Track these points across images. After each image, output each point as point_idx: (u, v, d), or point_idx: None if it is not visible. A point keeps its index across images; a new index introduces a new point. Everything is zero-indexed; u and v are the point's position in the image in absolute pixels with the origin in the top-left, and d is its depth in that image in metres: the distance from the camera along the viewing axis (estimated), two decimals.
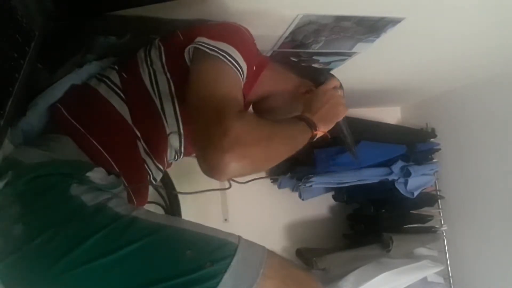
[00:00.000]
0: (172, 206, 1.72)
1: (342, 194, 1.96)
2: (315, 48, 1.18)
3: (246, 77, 0.81)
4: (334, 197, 2.01)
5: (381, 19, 1.02)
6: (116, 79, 0.84)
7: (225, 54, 0.75)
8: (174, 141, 0.87)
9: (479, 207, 1.73)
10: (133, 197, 0.83)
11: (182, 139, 0.87)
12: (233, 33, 0.84)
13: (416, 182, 1.71)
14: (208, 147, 0.62)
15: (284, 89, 1.02)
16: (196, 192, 0.92)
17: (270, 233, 1.99)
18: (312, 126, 0.82)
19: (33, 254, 0.61)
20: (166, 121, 0.84)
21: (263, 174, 1.89)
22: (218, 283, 0.61)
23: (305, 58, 1.26)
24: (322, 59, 1.29)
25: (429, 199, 1.88)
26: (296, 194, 1.83)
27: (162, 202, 1.73)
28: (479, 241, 1.74)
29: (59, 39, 0.85)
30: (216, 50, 0.75)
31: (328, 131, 0.89)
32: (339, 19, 1.00)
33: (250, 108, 1.05)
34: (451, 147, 1.87)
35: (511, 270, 1.58)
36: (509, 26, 1.12)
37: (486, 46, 1.29)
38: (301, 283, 0.71)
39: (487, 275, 1.71)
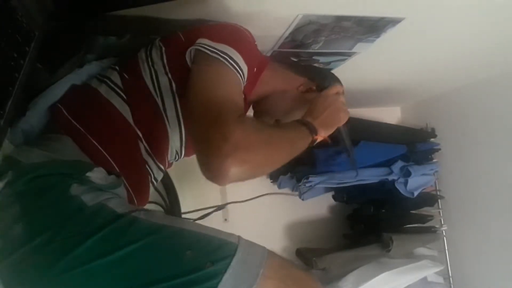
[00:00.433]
0: (172, 206, 1.72)
1: (342, 194, 1.96)
2: (315, 48, 1.18)
3: (247, 79, 0.81)
4: (334, 197, 2.01)
5: (381, 19, 1.02)
6: (117, 80, 0.84)
7: (226, 57, 0.75)
8: (175, 141, 0.87)
9: (479, 207, 1.73)
10: (134, 197, 0.83)
11: (184, 139, 0.87)
12: (234, 35, 0.84)
13: (416, 182, 1.72)
14: (209, 152, 0.63)
15: (284, 89, 1.02)
16: (199, 211, 0.92)
17: (270, 233, 1.99)
18: (313, 131, 0.82)
19: (33, 254, 0.61)
20: (168, 121, 0.84)
21: (264, 191, 1.90)
22: (218, 283, 0.61)
23: (305, 58, 1.26)
24: (322, 59, 1.28)
25: (429, 199, 1.87)
26: (296, 194, 1.83)
27: (162, 202, 1.72)
28: (479, 241, 1.73)
29: (60, 39, 0.85)
30: (217, 52, 0.75)
31: (328, 136, 0.89)
32: (339, 19, 1.00)
33: (250, 108, 1.05)
34: (451, 147, 1.87)
35: (511, 270, 1.58)
36: (509, 26, 1.12)
37: (486, 46, 1.29)
38: (301, 283, 0.71)
39: (487, 275, 1.71)
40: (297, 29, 1.04)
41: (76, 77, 0.86)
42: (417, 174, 1.71)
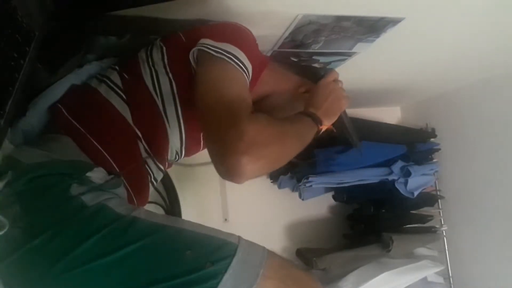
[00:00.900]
0: (172, 206, 1.72)
1: (342, 194, 1.96)
2: (315, 48, 1.18)
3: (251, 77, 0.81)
4: (334, 197, 2.01)
5: (381, 19, 1.02)
6: (117, 80, 0.84)
7: (230, 56, 0.75)
8: (175, 141, 0.87)
9: (479, 207, 1.73)
10: (134, 197, 0.83)
11: (184, 139, 0.87)
12: (236, 34, 0.84)
13: (416, 182, 1.71)
14: (224, 151, 0.63)
15: (284, 88, 1.02)
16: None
17: (270, 233, 1.99)
18: (318, 121, 0.83)
19: (33, 254, 0.61)
20: (168, 121, 0.84)
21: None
22: (218, 283, 0.61)
23: (305, 58, 1.26)
24: (322, 59, 1.28)
25: (429, 199, 1.87)
26: (296, 194, 1.83)
27: (162, 202, 1.73)
28: (479, 241, 1.73)
29: (60, 39, 0.85)
30: (222, 52, 0.75)
31: (332, 124, 0.90)
32: (339, 19, 1.00)
33: None
34: (451, 147, 1.87)
35: (511, 270, 1.58)
36: (509, 26, 1.12)
37: (486, 46, 1.29)
38: (301, 283, 0.71)
39: (487, 275, 1.71)
40: (297, 29, 1.04)
41: (76, 77, 0.86)
42: (417, 174, 1.71)
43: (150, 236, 0.64)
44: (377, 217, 1.87)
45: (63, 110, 0.80)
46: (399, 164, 1.72)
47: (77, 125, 0.78)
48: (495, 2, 0.99)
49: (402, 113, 2.25)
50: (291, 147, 0.73)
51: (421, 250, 1.88)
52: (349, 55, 1.27)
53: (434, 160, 1.88)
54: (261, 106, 1.04)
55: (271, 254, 0.69)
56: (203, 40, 0.79)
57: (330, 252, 1.79)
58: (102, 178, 0.72)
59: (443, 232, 1.89)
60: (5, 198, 0.64)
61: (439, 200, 1.91)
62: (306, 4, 0.93)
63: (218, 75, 0.74)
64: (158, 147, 0.85)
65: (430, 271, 1.77)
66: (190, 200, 1.81)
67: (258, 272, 0.64)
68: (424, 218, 1.87)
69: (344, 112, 0.99)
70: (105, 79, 0.85)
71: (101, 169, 0.73)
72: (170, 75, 0.82)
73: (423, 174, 1.76)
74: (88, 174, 0.70)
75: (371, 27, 1.06)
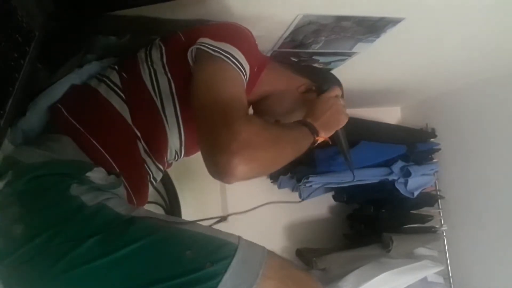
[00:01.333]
0: (172, 206, 1.72)
1: (342, 194, 1.96)
2: (315, 48, 1.18)
3: (248, 78, 0.81)
4: (334, 197, 2.01)
5: (381, 19, 1.02)
6: (116, 79, 0.84)
7: (228, 55, 0.75)
8: (174, 141, 0.87)
9: (479, 207, 1.73)
10: (133, 197, 0.83)
11: (183, 139, 0.87)
12: (235, 34, 0.84)
13: (416, 182, 1.71)
14: (216, 150, 0.63)
15: (284, 89, 1.02)
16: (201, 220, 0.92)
17: (270, 233, 1.99)
18: (315, 132, 0.83)
19: (33, 254, 0.61)
20: (167, 121, 0.84)
21: (266, 200, 1.91)
22: (218, 284, 0.61)
23: (305, 58, 1.26)
24: (322, 59, 1.28)
25: (429, 199, 1.87)
26: (296, 194, 1.83)
27: (162, 202, 1.73)
28: (479, 241, 1.73)
29: (59, 39, 0.85)
30: (219, 51, 0.75)
31: (328, 137, 0.91)
32: (339, 19, 1.00)
33: (250, 108, 1.05)
34: (451, 147, 1.87)
35: (511, 270, 1.58)
36: (509, 26, 1.12)
37: (486, 47, 1.29)
38: (301, 284, 0.71)
39: (487, 275, 1.71)
40: (297, 29, 1.04)
41: (76, 77, 0.86)
42: (417, 174, 1.71)
43: (150, 236, 0.64)
44: (377, 217, 1.87)
45: (63, 110, 0.80)
46: (399, 164, 1.72)
47: (77, 125, 0.78)
48: (495, 3, 0.99)
49: (402, 113, 2.25)
50: (284, 153, 0.73)
51: (421, 250, 1.88)
52: (349, 55, 1.27)
53: (434, 160, 1.88)
54: (261, 106, 1.04)
55: (271, 254, 0.69)
56: (201, 39, 0.78)
57: (330, 252, 1.79)
58: (102, 178, 0.72)
59: (443, 232, 1.89)
60: (5, 198, 0.64)
61: (439, 200, 1.91)
62: (306, 4, 0.93)
63: (214, 74, 0.74)
64: (157, 147, 0.85)
65: (430, 271, 1.77)
66: (190, 200, 1.81)
67: (258, 272, 0.64)
68: (424, 218, 1.87)
69: (342, 129, 1.00)
70: (104, 78, 0.85)
71: (101, 169, 0.73)
72: (169, 74, 0.82)
73: (423, 174, 1.76)
74: (88, 174, 0.70)
75: (371, 27, 1.06)
